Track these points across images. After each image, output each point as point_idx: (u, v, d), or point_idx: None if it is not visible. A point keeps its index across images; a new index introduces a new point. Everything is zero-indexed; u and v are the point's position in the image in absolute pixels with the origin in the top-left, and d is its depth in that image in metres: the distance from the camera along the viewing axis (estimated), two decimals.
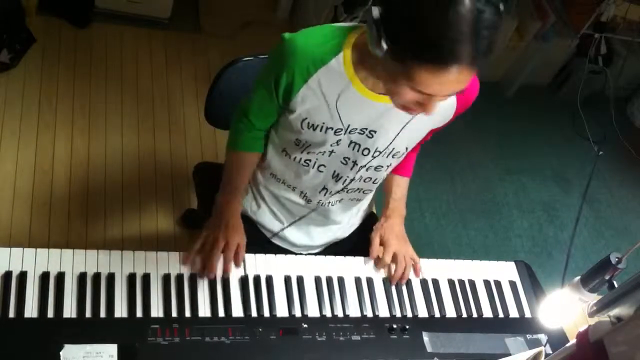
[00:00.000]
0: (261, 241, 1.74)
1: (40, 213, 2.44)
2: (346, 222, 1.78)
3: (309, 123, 1.45)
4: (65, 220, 2.45)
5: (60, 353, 1.28)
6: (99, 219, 2.49)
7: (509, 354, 1.54)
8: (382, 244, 1.65)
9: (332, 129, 1.45)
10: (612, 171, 3.59)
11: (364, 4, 2.57)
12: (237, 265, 1.53)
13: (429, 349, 1.51)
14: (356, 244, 1.82)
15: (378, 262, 1.64)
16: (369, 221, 1.86)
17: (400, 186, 1.73)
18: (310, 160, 1.55)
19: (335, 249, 1.80)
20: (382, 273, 1.64)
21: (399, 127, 1.48)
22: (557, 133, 3.68)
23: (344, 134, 1.46)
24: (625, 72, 3.74)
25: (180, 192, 2.66)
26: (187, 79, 3.06)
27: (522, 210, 3.22)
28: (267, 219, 1.72)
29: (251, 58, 1.80)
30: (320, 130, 1.46)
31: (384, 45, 1.19)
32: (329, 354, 1.44)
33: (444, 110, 1.52)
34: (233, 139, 1.63)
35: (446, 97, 1.24)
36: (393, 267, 1.63)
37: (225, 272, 1.50)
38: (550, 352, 1.56)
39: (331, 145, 1.49)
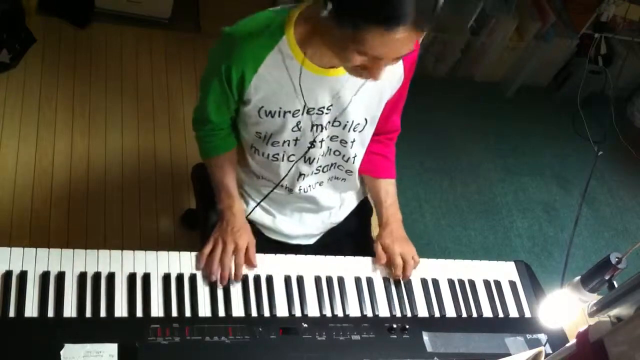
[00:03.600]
0: (258, 239, 1.74)
1: (40, 213, 2.43)
2: (337, 206, 1.78)
3: (266, 111, 1.46)
4: (65, 220, 2.45)
5: (61, 352, 1.29)
6: (99, 219, 2.49)
7: (509, 354, 1.54)
8: (385, 252, 1.65)
9: (289, 112, 1.46)
10: (612, 171, 3.59)
11: None
12: (252, 265, 1.54)
13: (429, 349, 1.51)
14: (353, 229, 1.82)
15: (388, 268, 1.64)
16: (363, 206, 1.85)
17: (389, 192, 1.73)
18: (278, 154, 1.56)
19: (331, 235, 1.80)
20: (382, 273, 1.64)
21: (349, 96, 1.48)
22: (557, 133, 3.68)
23: (302, 114, 1.47)
24: (625, 72, 3.74)
25: (180, 192, 2.66)
26: (187, 79, 3.06)
27: (522, 210, 3.22)
28: (258, 215, 1.73)
29: None
30: (279, 116, 1.46)
31: (329, 6, 1.18)
32: (329, 354, 1.44)
33: (392, 77, 1.51)
34: (204, 148, 1.64)
35: (394, 60, 1.24)
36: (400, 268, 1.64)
37: (237, 278, 1.51)
38: (550, 352, 1.56)
39: (293, 131, 1.50)
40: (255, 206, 1.72)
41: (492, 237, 3.05)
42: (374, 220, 1.99)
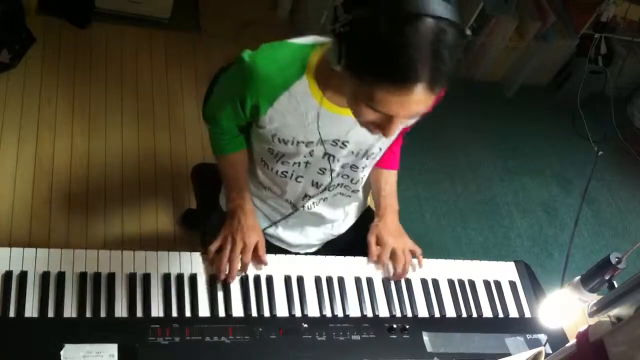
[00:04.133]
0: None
1: (40, 213, 2.44)
2: (341, 220, 1.78)
3: (279, 138, 1.45)
4: (65, 220, 2.45)
5: (61, 353, 1.29)
6: (99, 219, 2.49)
7: (509, 354, 1.54)
8: (379, 244, 1.65)
9: (303, 142, 1.45)
10: (612, 171, 3.59)
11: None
12: (263, 263, 1.54)
13: (429, 349, 1.51)
14: (354, 239, 1.82)
15: (378, 262, 1.64)
16: (366, 216, 1.86)
17: (389, 182, 1.72)
18: (287, 172, 1.56)
19: (332, 245, 1.80)
20: (382, 273, 1.64)
21: (368, 134, 1.47)
22: (557, 133, 3.68)
23: (316, 145, 1.47)
24: (625, 72, 3.75)
25: (180, 192, 2.66)
26: (187, 79, 3.06)
27: (522, 210, 3.22)
28: (261, 222, 1.73)
29: None
30: (292, 144, 1.46)
31: (343, 61, 1.15)
32: (329, 354, 1.44)
33: None
34: (216, 145, 1.64)
35: (407, 118, 1.20)
36: (392, 265, 1.63)
37: (243, 270, 1.52)
38: (550, 352, 1.56)
39: (304, 157, 1.50)
40: (270, 226, 1.71)
41: (492, 237, 3.05)
42: None
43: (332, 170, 1.54)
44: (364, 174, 1.63)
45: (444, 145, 3.30)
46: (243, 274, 1.52)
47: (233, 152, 1.62)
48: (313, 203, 1.66)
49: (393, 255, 1.64)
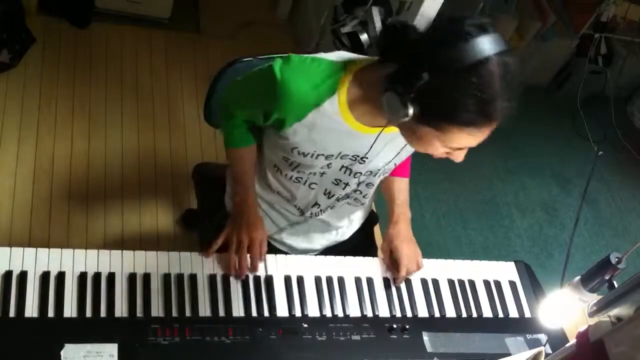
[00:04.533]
0: None
1: (40, 213, 2.43)
2: (345, 227, 1.78)
3: (299, 151, 1.45)
4: (65, 220, 2.45)
5: (61, 352, 1.29)
6: (99, 219, 2.49)
7: (509, 354, 1.54)
8: (392, 249, 1.65)
9: (323, 155, 1.45)
10: (612, 171, 3.59)
11: (363, 4, 2.57)
12: (260, 259, 1.55)
13: (429, 349, 1.51)
14: (356, 244, 1.82)
15: (392, 270, 1.64)
16: (369, 220, 1.86)
17: (402, 190, 1.73)
18: (301, 178, 1.55)
19: (335, 250, 1.80)
20: (382, 273, 1.64)
21: (392, 154, 1.49)
22: (557, 133, 3.68)
23: (335, 159, 1.47)
24: (625, 72, 3.74)
25: (180, 192, 2.66)
26: (187, 79, 3.06)
27: (522, 210, 3.22)
28: (266, 225, 1.73)
29: (251, 58, 1.80)
30: (311, 157, 1.46)
31: (410, 112, 1.19)
32: (329, 354, 1.44)
33: None
34: (228, 137, 1.62)
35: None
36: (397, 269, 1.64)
37: (254, 270, 1.52)
38: (550, 352, 1.56)
39: (321, 168, 1.50)
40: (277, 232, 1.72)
41: (492, 237, 3.05)
42: (376, 227, 2.00)
43: (346, 185, 1.55)
44: (375, 186, 1.64)
45: None
46: (255, 271, 1.52)
47: (243, 146, 1.61)
48: (320, 211, 1.66)
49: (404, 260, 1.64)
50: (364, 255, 1.68)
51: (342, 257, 1.63)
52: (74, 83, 2.85)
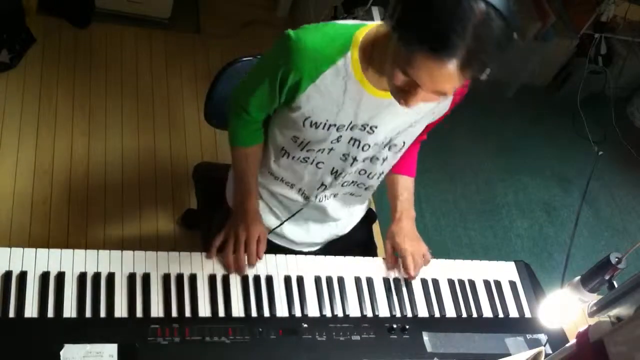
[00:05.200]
0: None
1: (40, 213, 2.44)
2: (345, 219, 1.78)
3: (312, 121, 1.45)
4: (65, 220, 2.45)
5: (60, 353, 1.28)
6: (99, 219, 2.49)
7: (509, 354, 1.54)
8: (396, 248, 1.65)
9: (334, 125, 1.45)
10: (612, 171, 3.59)
11: (363, 3, 2.57)
12: (259, 257, 1.55)
13: (429, 349, 1.51)
14: (356, 240, 1.82)
15: (395, 266, 1.64)
16: (369, 217, 1.86)
17: (407, 188, 1.73)
18: (308, 158, 1.55)
19: (335, 245, 1.80)
20: (382, 273, 1.63)
21: (398, 121, 1.48)
22: (557, 133, 3.68)
23: (346, 130, 1.47)
24: (625, 72, 3.75)
25: (180, 192, 2.66)
26: (187, 79, 3.07)
27: (522, 210, 3.22)
28: (265, 216, 1.73)
29: (251, 58, 1.80)
30: (323, 128, 1.46)
31: (394, 18, 1.19)
32: (329, 354, 1.44)
33: (442, 105, 1.53)
34: (235, 135, 1.62)
35: (433, 93, 1.23)
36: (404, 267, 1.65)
37: (251, 264, 1.53)
38: (550, 352, 1.56)
39: (331, 143, 1.50)
40: (279, 224, 1.72)
41: (492, 237, 3.05)
42: (376, 226, 2.00)
43: (354, 160, 1.54)
44: (382, 170, 1.63)
45: (444, 145, 3.30)
46: (252, 266, 1.53)
47: (250, 145, 1.62)
48: (325, 196, 1.66)
49: (407, 258, 1.64)
50: (363, 252, 1.67)
51: (342, 257, 1.63)
52: (74, 83, 2.85)
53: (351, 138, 1.50)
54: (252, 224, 1.57)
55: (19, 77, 2.78)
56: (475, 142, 3.43)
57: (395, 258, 1.65)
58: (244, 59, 1.80)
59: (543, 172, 3.45)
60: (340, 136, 1.48)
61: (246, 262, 1.53)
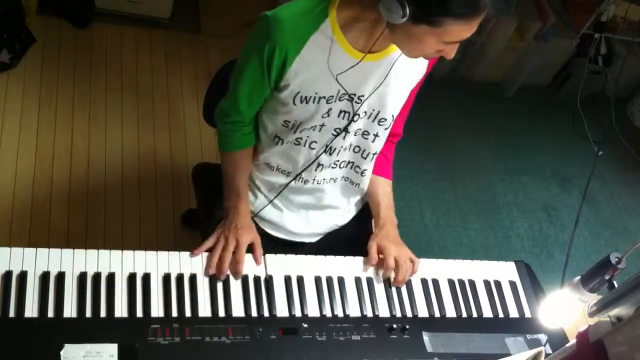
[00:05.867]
0: (262, 239, 1.75)
1: (40, 213, 2.43)
2: (344, 208, 1.79)
3: (301, 97, 1.47)
4: (66, 220, 2.45)
5: (61, 353, 1.29)
6: (99, 219, 2.49)
7: (509, 354, 1.54)
8: (381, 251, 1.65)
9: (324, 97, 1.47)
10: (612, 171, 3.59)
11: None
12: (257, 263, 1.55)
13: (429, 349, 1.51)
14: (356, 232, 1.82)
15: (381, 269, 1.64)
16: (366, 211, 1.86)
17: (387, 194, 1.75)
18: (301, 139, 1.57)
19: (334, 236, 1.81)
20: (382, 273, 1.63)
21: (381, 87, 1.51)
22: (557, 133, 3.67)
23: (335, 101, 1.49)
24: (625, 72, 3.74)
25: (180, 192, 2.66)
26: (187, 79, 3.07)
27: (522, 210, 3.22)
28: (266, 209, 1.73)
29: None
30: (313, 102, 1.48)
31: (408, 11, 1.26)
32: (329, 354, 1.44)
33: (419, 71, 1.58)
34: (224, 141, 1.64)
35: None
36: (393, 273, 1.64)
37: (237, 273, 1.51)
38: (550, 352, 1.56)
39: (322, 118, 1.51)
40: (268, 203, 1.72)
41: (492, 237, 3.05)
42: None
43: (346, 133, 1.56)
44: (375, 150, 1.64)
45: (444, 145, 3.30)
46: (240, 276, 1.52)
47: (238, 149, 1.62)
48: (323, 179, 1.67)
49: (395, 263, 1.64)
50: (362, 245, 1.67)
51: (342, 257, 1.63)
52: (74, 83, 2.85)
53: (340, 110, 1.51)
54: (242, 231, 1.56)
55: (19, 77, 2.78)
56: (475, 142, 3.43)
57: (376, 260, 1.64)
58: None
59: (543, 172, 3.45)
60: (330, 109, 1.50)
61: (228, 270, 1.52)
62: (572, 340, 1.13)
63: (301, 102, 1.48)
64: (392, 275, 1.63)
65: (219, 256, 1.52)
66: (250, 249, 1.57)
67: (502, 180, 3.31)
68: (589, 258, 3.09)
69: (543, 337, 1.61)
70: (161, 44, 3.15)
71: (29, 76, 2.80)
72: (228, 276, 1.51)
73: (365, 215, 1.86)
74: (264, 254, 1.58)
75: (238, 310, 1.46)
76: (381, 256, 1.64)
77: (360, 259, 1.64)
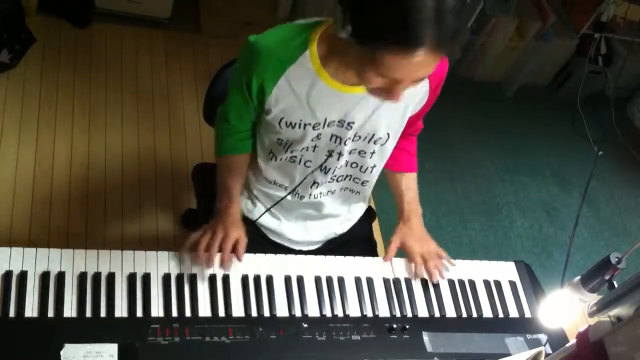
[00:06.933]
0: (260, 239, 1.75)
1: (40, 213, 2.44)
2: (344, 216, 1.78)
3: (286, 122, 1.46)
4: (65, 220, 2.45)
5: (61, 352, 1.29)
6: (99, 219, 2.49)
7: (509, 354, 1.54)
8: (405, 249, 1.66)
9: (310, 124, 1.46)
10: (612, 171, 3.59)
11: None
12: (239, 259, 1.54)
13: (429, 349, 1.51)
14: (356, 237, 1.82)
15: (411, 273, 1.65)
16: (368, 215, 1.86)
17: (410, 187, 1.73)
18: (295, 157, 1.56)
19: (335, 242, 1.80)
20: (382, 273, 1.63)
21: (373, 115, 1.48)
22: (557, 133, 3.68)
23: (323, 127, 1.47)
24: (625, 72, 3.75)
25: (180, 192, 2.66)
26: (187, 79, 3.07)
27: (522, 210, 3.22)
28: (264, 217, 1.73)
29: None
30: (299, 128, 1.46)
31: (349, 28, 1.17)
32: (329, 354, 1.44)
33: (418, 94, 1.52)
34: (219, 143, 1.63)
35: (414, 82, 1.22)
36: (422, 267, 1.65)
37: (223, 262, 1.51)
38: (550, 352, 1.56)
39: (312, 140, 1.50)
40: (265, 211, 1.72)
41: (492, 237, 3.05)
42: (375, 223, 2.00)
43: (340, 155, 1.53)
44: (374, 164, 1.61)
45: (444, 145, 3.30)
46: (227, 266, 1.51)
47: (232, 153, 1.62)
48: (320, 193, 1.66)
49: (423, 262, 1.65)
50: (364, 249, 1.67)
51: (342, 257, 1.63)
52: (74, 83, 2.85)
53: (331, 135, 1.49)
54: (231, 227, 1.56)
55: (19, 77, 2.78)
56: (475, 142, 3.44)
57: (392, 256, 1.65)
58: None
59: (543, 172, 3.45)
60: (320, 134, 1.48)
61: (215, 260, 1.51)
62: (572, 340, 1.13)
63: (287, 126, 1.46)
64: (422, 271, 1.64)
65: (204, 246, 1.51)
66: (234, 246, 1.55)
67: (502, 180, 3.32)
68: (589, 258, 3.10)
69: (543, 337, 1.61)
70: (161, 44, 3.15)
71: (29, 76, 2.80)
72: (228, 276, 1.51)
73: (366, 217, 1.86)
74: (264, 254, 1.58)
75: (238, 310, 1.46)
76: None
77: (359, 258, 1.64)
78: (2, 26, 2.68)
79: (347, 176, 1.64)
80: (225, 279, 1.50)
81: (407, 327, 1.53)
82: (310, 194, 1.65)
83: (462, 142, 3.39)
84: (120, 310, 1.39)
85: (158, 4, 3.11)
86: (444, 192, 3.14)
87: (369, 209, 1.88)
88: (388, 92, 1.25)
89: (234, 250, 1.54)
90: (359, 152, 1.57)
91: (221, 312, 1.45)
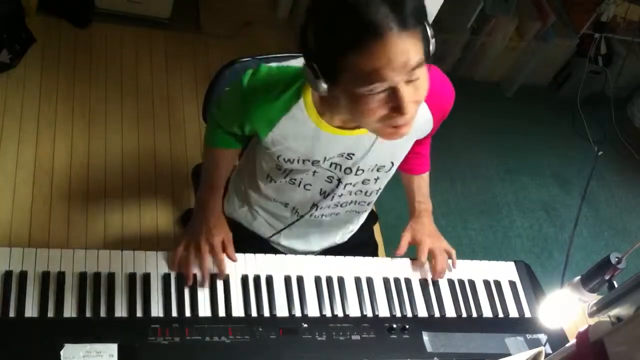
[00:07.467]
0: (260, 243, 1.74)
1: (40, 213, 2.44)
2: (346, 229, 1.79)
3: (284, 158, 1.45)
4: (65, 220, 2.45)
5: (61, 352, 1.29)
6: (99, 219, 2.49)
7: (509, 354, 1.54)
8: (415, 243, 1.66)
9: (309, 160, 1.45)
10: (612, 171, 3.59)
11: None
12: (232, 260, 1.52)
13: (429, 349, 1.51)
14: (356, 239, 1.82)
15: (415, 263, 1.65)
16: (368, 221, 1.86)
17: (422, 186, 1.74)
18: (295, 180, 1.54)
19: (334, 251, 1.80)
20: (382, 273, 1.63)
21: (374, 153, 1.45)
22: (557, 133, 3.68)
23: (323, 162, 1.46)
24: (625, 72, 3.75)
25: (180, 192, 2.66)
26: (187, 79, 3.07)
27: (522, 210, 3.22)
28: (263, 229, 1.73)
29: (250, 58, 1.80)
30: (298, 162, 1.45)
31: (322, 83, 1.16)
32: (329, 354, 1.44)
33: (421, 123, 1.49)
34: (210, 135, 1.60)
35: (409, 73, 1.12)
36: (431, 265, 1.65)
37: (221, 275, 1.50)
38: (550, 352, 1.56)
39: (313, 165, 1.48)
40: (272, 235, 1.72)
41: (492, 237, 3.05)
42: (376, 226, 2.00)
43: (339, 181, 1.52)
44: (379, 187, 1.60)
45: (444, 145, 3.30)
46: (224, 276, 1.50)
47: (222, 147, 1.59)
48: (323, 215, 1.65)
49: (432, 255, 1.65)
50: (364, 251, 1.67)
51: (342, 257, 1.63)
52: (74, 83, 2.85)
53: (332, 163, 1.47)
54: (214, 229, 1.51)
55: (19, 77, 2.78)
56: (475, 142, 3.44)
57: (404, 251, 1.65)
58: (244, 59, 1.80)
59: (543, 172, 3.45)
60: (319, 166, 1.47)
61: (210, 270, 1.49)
62: (572, 340, 1.13)
63: (285, 161, 1.45)
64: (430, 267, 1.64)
65: (192, 265, 1.47)
66: (223, 247, 1.52)
67: (502, 180, 3.32)
68: (589, 258, 3.10)
69: (543, 337, 1.61)
70: (161, 44, 3.15)
71: (29, 76, 2.80)
72: (228, 276, 1.51)
73: (365, 226, 1.85)
74: (264, 254, 1.58)
75: (238, 310, 1.46)
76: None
77: (359, 259, 1.64)
78: (2, 26, 2.68)
79: (351, 202, 1.63)
80: (225, 279, 1.50)
81: (407, 327, 1.53)
82: (311, 215, 1.64)
83: (462, 142, 3.39)
84: (120, 310, 1.38)
85: (158, 4, 3.11)
86: (444, 192, 3.14)
87: (371, 212, 1.88)
88: (395, 111, 1.16)
89: (224, 250, 1.52)
90: (363, 181, 1.55)
91: (221, 312, 1.45)
